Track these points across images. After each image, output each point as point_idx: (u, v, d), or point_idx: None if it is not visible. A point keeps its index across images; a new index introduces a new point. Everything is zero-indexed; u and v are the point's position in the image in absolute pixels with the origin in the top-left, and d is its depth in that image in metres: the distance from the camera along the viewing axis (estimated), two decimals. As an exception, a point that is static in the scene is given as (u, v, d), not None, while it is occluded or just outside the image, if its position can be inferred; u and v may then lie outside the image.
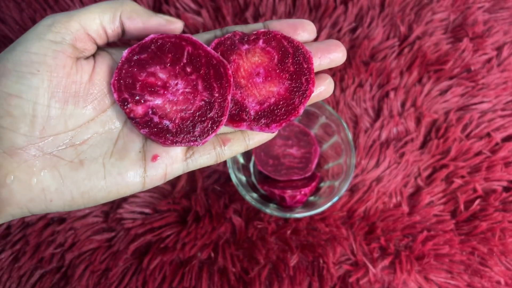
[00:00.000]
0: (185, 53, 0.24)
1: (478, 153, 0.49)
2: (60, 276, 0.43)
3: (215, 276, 0.44)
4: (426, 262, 0.45)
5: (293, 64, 0.25)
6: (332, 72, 0.51)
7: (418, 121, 0.50)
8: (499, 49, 0.54)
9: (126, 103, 0.23)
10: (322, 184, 0.46)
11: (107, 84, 0.24)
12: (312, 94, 0.25)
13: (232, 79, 0.25)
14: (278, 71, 0.25)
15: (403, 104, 0.51)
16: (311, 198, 0.45)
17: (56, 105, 0.22)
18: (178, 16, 0.52)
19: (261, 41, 0.26)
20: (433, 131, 0.50)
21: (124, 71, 0.23)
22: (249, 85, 0.25)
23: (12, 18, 0.52)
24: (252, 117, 0.25)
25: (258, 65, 0.25)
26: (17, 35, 0.52)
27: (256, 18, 0.53)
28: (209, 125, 0.24)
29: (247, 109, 0.25)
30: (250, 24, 0.26)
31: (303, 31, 0.26)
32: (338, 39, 0.53)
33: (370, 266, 0.44)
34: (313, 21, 0.54)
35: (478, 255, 0.46)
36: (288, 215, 0.41)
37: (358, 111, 0.50)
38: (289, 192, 0.42)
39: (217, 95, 0.24)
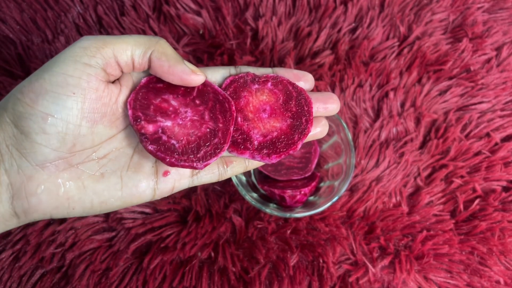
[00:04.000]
0: (196, 89, 0.28)
1: (478, 153, 0.49)
2: (61, 276, 0.44)
3: (215, 275, 0.44)
4: (426, 262, 0.45)
5: (296, 105, 0.29)
6: (332, 72, 0.51)
7: (418, 121, 0.50)
8: (498, 49, 0.54)
9: (138, 120, 0.25)
10: (322, 184, 0.46)
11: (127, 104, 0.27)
12: (309, 134, 0.29)
13: (235, 114, 0.28)
14: (282, 110, 0.29)
15: (402, 104, 0.51)
16: (311, 198, 0.45)
17: (86, 125, 0.24)
18: (178, 16, 0.52)
19: (269, 83, 0.29)
20: (432, 131, 0.50)
21: (141, 93, 0.26)
22: (256, 119, 0.29)
23: (13, 18, 0.52)
24: (255, 146, 0.28)
25: (265, 103, 0.29)
26: (17, 35, 0.52)
27: (256, 18, 0.53)
28: (212, 150, 0.26)
29: (251, 139, 0.28)
30: (261, 68, 0.30)
31: (304, 81, 0.30)
32: (338, 39, 0.53)
33: (370, 266, 0.44)
34: (313, 22, 0.54)
35: (478, 254, 0.46)
36: (288, 215, 0.41)
37: (358, 111, 0.50)
38: (289, 192, 0.42)
39: (221, 125, 0.27)
